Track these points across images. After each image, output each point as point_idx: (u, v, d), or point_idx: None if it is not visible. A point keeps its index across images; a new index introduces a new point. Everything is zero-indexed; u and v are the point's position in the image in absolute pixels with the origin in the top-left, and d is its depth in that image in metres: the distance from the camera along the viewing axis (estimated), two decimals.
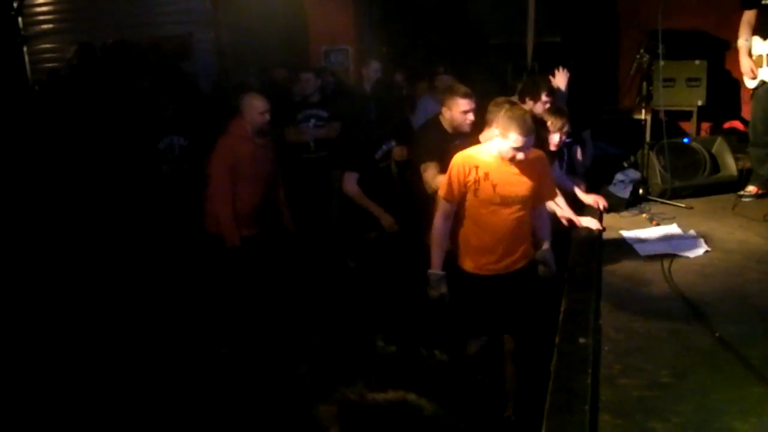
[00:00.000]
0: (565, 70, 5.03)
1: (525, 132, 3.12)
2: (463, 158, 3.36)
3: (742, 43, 5.06)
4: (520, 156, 3.21)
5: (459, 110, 4.02)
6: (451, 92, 4.08)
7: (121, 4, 8.20)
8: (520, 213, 3.38)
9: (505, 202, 3.34)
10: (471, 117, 4.03)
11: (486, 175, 3.31)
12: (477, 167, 3.32)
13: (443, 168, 3.73)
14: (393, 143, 4.62)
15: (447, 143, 4.06)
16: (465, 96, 4.01)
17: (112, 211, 5.44)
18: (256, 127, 4.51)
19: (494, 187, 3.30)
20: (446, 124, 4.18)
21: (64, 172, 5.83)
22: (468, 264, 3.49)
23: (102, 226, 5.49)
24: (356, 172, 4.65)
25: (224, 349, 4.45)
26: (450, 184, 3.38)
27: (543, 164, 3.45)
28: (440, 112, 4.20)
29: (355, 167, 4.67)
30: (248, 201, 4.58)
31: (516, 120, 3.12)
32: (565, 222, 4.31)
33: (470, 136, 4.01)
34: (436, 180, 3.97)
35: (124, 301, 4.95)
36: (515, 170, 3.31)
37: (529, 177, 3.33)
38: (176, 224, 4.96)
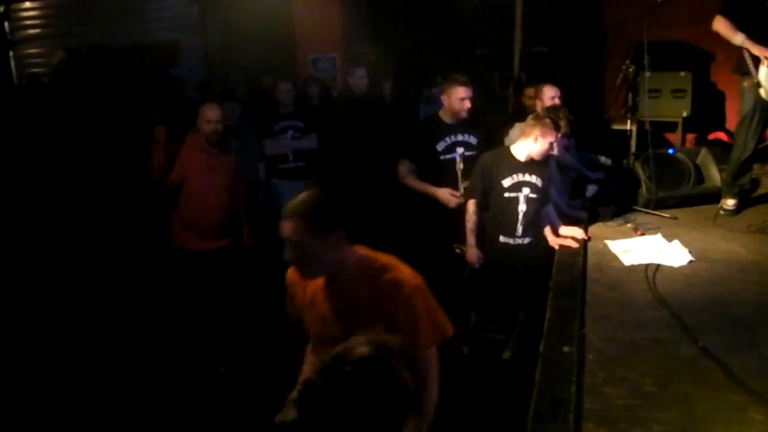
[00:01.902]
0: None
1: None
2: None
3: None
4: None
5: (457, 97, 4.41)
6: (450, 81, 4.45)
7: (108, 10, 8.17)
8: None
9: (323, 341, 2.27)
10: (468, 104, 4.43)
11: (312, 296, 2.31)
12: (306, 282, 2.33)
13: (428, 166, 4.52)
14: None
15: (443, 134, 4.52)
16: (462, 84, 4.41)
17: (99, 215, 5.39)
18: (204, 136, 4.53)
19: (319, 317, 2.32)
20: (446, 115, 4.54)
21: (50, 178, 5.77)
22: None
23: (88, 229, 5.43)
24: (409, 161, 4.64)
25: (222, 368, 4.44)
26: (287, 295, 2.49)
27: (410, 304, 2.15)
28: (439, 108, 4.60)
29: (407, 155, 4.65)
30: (206, 213, 4.58)
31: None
32: (551, 237, 4.32)
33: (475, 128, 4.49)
34: (406, 179, 4.58)
35: (99, 309, 4.90)
36: (349, 300, 2.21)
37: (368, 316, 2.12)
38: (163, 230, 4.88)
